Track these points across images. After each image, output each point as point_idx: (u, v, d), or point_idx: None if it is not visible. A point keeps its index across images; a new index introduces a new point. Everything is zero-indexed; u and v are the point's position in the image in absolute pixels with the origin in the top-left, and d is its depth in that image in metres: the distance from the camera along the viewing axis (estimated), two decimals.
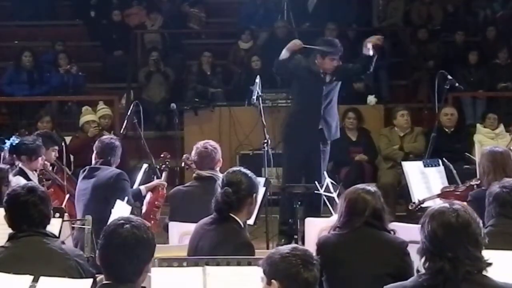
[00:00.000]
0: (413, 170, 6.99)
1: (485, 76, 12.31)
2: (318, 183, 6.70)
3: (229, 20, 14.32)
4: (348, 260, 4.41)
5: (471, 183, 6.27)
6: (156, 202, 7.00)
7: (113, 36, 13.41)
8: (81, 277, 4.02)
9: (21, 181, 6.23)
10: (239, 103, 10.76)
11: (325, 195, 6.56)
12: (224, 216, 4.61)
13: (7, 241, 4.20)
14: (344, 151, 9.85)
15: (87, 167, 6.79)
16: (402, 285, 3.33)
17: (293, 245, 3.38)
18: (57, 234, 4.60)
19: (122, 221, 3.37)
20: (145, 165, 7.57)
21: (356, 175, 9.63)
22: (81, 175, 6.80)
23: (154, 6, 13.92)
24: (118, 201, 5.80)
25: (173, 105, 10.02)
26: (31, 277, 3.77)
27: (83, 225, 5.52)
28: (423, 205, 6.49)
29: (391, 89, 12.85)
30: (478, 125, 10.37)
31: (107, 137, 7.21)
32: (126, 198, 6.15)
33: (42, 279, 3.77)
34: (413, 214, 6.78)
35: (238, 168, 4.79)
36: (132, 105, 8.50)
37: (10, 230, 4.25)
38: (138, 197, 7.06)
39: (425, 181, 6.91)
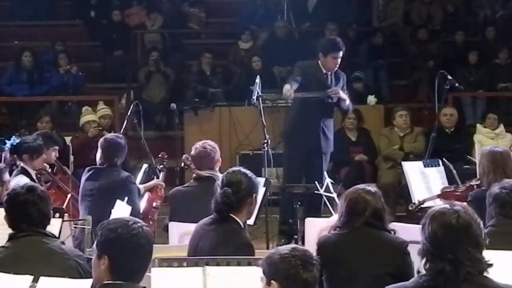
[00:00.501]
0: (413, 170, 6.99)
1: (485, 76, 12.31)
2: (319, 183, 6.69)
3: (229, 20, 14.32)
4: (348, 260, 4.41)
5: (471, 183, 6.27)
6: (154, 203, 6.93)
7: (113, 36, 13.41)
8: (81, 277, 4.02)
9: (24, 180, 6.22)
10: (239, 103, 10.77)
11: (325, 195, 6.56)
12: (224, 216, 4.61)
13: (7, 241, 4.20)
14: (344, 151, 9.84)
15: (93, 168, 6.63)
16: (403, 286, 3.33)
17: (293, 245, 3.38)
18: (57, 234, 4.60)
19: (134, 225, 3.34)
20: (145, 165, 7.56)
21: (356, 175, 9.63)
22: (85, 175, 6.64)
23: (154, 6, 13.92)
24: (118, 201, 5.78)
25: (173, 105, 10.03)
26: (31, 277, 3.77)
27: (83, 225, 5.52)
28: (423, 206, 6.49)
29: (391, 89, 12.86)
30: (478, 125, 10.38)
31: (112, 135, 7.03)
32: (133, 201, 6.12)
33: (42, 279, 3.76)
34: (413, 214, 6.78)
35: (238, 168, 4.78)
36: (132, 105, 8.49)
37: (10, 230, 4.25)
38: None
39: (425, 181, 6.91)
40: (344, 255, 4.43)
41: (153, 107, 11.87)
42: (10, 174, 6.47)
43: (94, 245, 3.43)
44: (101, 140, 6.74)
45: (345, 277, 4.40)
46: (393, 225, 4.67)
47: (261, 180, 5.63)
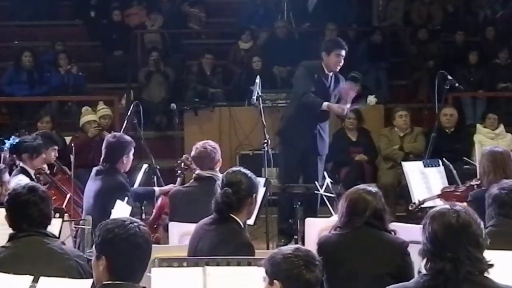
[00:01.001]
0: (413, 170, 6.99)
1: (485, 76, 12.32)
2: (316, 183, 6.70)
3: (229, 20, 14.32)
4: (349, 260, 4.41)
5: (471, 183, 6.28)
6: (166, 209, 6.74)
7: (113, 36, 13.41)
8: (81, 278, 4.02)
9: (25, 180, 6.22)
10: (239, 103, 10.77)
11: (325, 195, 6.56)
12: (224, 216, 4.61)
13: (8, 241, 4.21)
14: (344, 151, 9.85)
15: (95, 168, 6.52)
16: (404, 286, 3.33)
17: (296, 245, 3.39)
18: (57, 235, 4.60)
19: (131, 224, 3.33)
20: (145, 165, 7.55)
21: (356, 175, 9.62)
22: (92, 172, 6.55)
23: (154, 6, 13.93)
24: (118, 201, 5.78)
25: (173, 105, 10.02)
26: (31, 277, 3.77)
27: (83, 225, 5.52)
28: (423, 206, 6.50)
29: (391, 89, 12.86)
30: (478, 125, 10.37)
31: (118, 135, 6.84)
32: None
33: (42, 279, 3.77)
34: (413, 214, 6.79)
35: (238, 168, 4.78)
36: (132, 105, 8.48)
37: (10, 230, 4.25)
38: (150, 197, 7.00)
39: (425, 181, 6.91)
40: (344, 255, 4.43)
41: (153, 107, 11.87)
42: (10, 174, 6.48)
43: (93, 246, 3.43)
44: (104, 140, 6.68)
45: (345, 277, 4.40)
46: (393, 225, 4.67)
47: (261, 180, 5.62)
